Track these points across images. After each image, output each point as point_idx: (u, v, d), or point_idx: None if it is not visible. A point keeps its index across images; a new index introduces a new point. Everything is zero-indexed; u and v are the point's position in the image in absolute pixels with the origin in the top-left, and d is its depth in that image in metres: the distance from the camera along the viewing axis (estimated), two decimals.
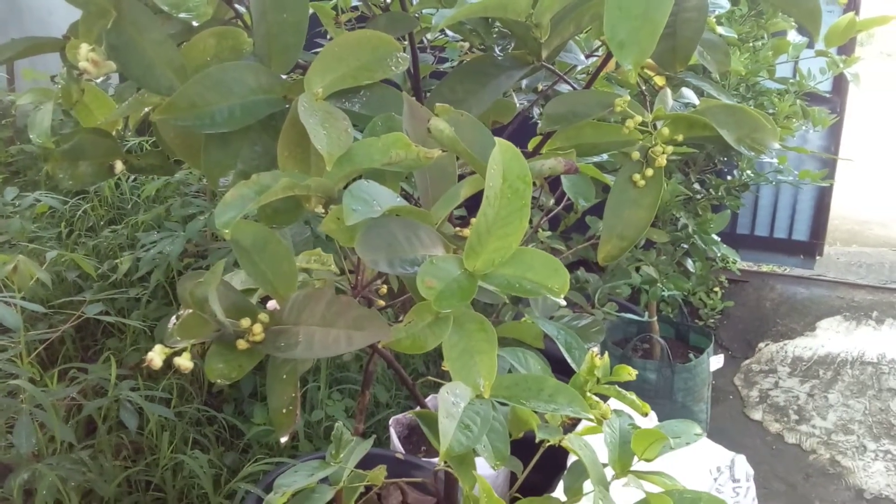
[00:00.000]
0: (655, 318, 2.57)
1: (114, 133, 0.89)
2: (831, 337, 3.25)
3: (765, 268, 3.80)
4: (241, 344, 0.59)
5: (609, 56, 0.91)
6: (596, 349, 1.76)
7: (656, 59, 0.73)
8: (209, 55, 0.79)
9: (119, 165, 0.84)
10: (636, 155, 0.76)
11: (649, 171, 0.75)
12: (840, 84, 3.24)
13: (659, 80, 1.05)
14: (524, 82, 1.00)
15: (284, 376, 0.65)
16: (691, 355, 2.54)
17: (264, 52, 0.74)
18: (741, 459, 2.04)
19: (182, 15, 0.68)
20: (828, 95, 2.85)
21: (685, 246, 2.30)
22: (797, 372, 3.06)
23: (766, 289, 3.61)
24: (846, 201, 4.72)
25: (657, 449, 1.17)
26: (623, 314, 2.59)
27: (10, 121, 3.26)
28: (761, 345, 3.27)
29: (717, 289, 3.50)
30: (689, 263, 2.31)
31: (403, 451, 2.05)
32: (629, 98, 0.75)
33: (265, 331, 0.60)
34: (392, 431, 2.16)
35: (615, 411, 1.23)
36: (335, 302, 0.58)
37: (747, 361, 3.19)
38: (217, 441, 2.36)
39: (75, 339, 2.67)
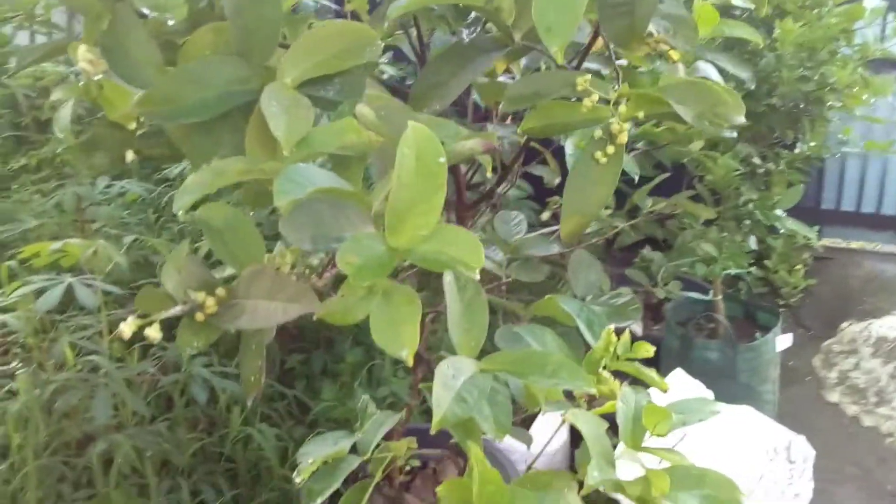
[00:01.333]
0: (720, 297, 2.52)
1: (133, 125, 0.96)
2: None
3: (852, 244, 3.65)
4: (199, 316, 0.65)
5: (595, 35, 0.92)
6: (637, 328, 1.76)
7: (614, 36, 0.74)
8: (208, 49, 0.86)
9: (130, 155, 0.92)
10: (599, 133, 0.77)
11: (610, 149, 0.77)
12: None
13: (673, 55, 1.05)
14: (523, 63, 1.03)
15: (253, 347, 0.71)
16: (758, 335, 2.48)
17: (243, 46, 0.80)
18: (800, 441, 2.00)
19: (162, 15, 0.74)
20: None
21: (748, 222, 2.25)
22: (880, 353, 2.93)
23: (853, 266, 3.47)
24: None
25: (668, 425, 1.17)
26: (687, 293, 2.55)
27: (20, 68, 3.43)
28: (844, 324, 3.14)
29: (799, 266, 3.38)
30: (752, 241, 2.26)
31: None
32: (589, 77, 0.76)
33: (220, 305, 0.65)
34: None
35: (632, 387, 1.23)
36: (276, 278, 0.63)
37: (828, 342, 3.08)
38: (287, 416, 2.47)
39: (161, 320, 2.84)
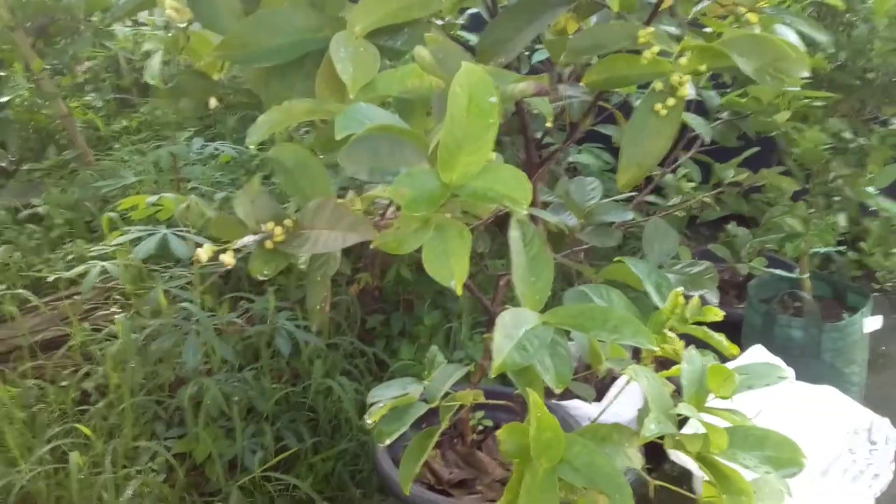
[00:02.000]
0: (807, 275, 2.45)
1: (215, 75, 1.02)
2: None
3: None
4: (268, 244, 0.70)
5: None
6: (712, 297, 1.75)
7: None
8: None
9: (213, 101, 0.98)
10: (659, 85, 0.78)
11: (671, 101, 0.78)
12: None
13: (752, 17, 1.04)
14: (593, 20, 1.03)
15: (318, 278, 0.76)
16: (845, 315, 2.41)
17: None
18: (883, 422, 1.94)
19: None
20: None
21: (838, 199, 2.18)
22: None
23: None
24: None
25: (732, 386, 1.17)
26: (772, 270, 2.49)
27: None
28: None
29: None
30: (841, 219, 2.19)
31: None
32: (651, 30, 0.77)
33: (287, 234, 0.70)
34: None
35: (699, 349, 1.23)
36: (336, 209, 0.67)
37: None
38: (367, 372, 2.55)
39: (246, 275, 2.97)
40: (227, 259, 0.71)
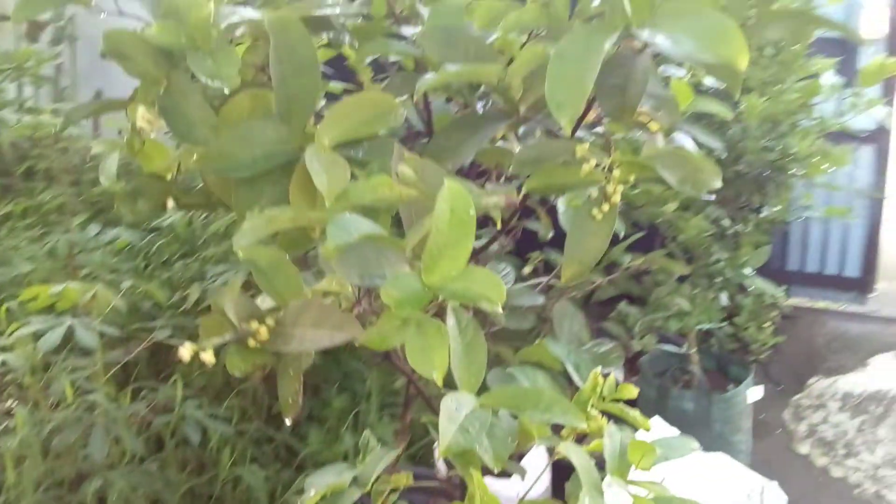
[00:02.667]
0: (695, 350, 2.64)
1: (168, 177, 1.07)
2: (883, 373, 3.24)
3: (817, 304, 3.80)
4: (251, 342, 0.75)
5: (588, 109, 1.04)
6: (618, 374, 1.86)
7: (609, 111, 0.86)
8: (245, 113, 0.97)
9: (170, 203, 1.02)
10: (595, 193, 0.89)
11: (605, 207, 0.88)
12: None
13: (653, 126, 1.18)
14: (521, 129, 1.15)
15: (291, 372, 0.80)
16: (730, 387, 2.60)
17: (285, 110, 0.91)
18: (773, 486, 2.10)
19: (216, 83, 0.86)
20: (864, 135, 2.87)
21: (719, 280, 2.38)
22: (847, 407, 3.06)
23: (819, 325, 3.62)
24: None
25: (652, 459, 1.27)
26: (663, 345, 2.67)
27: (96, 164, 3.57)
28: (812, 380, 3.28)
29: (767, 324, 3.52)
30: (723, 297, 2.39)
31: (447, 471, 2.19)
32: (587, 145, 0.89)
33: (270, 332, 0.75)
34: (437, 452, 2.30)
35: (616, 425, 1.33)
36: (322, 309, 0.73)
37: (797, 396, 3.20)
38: (275, 459, 2.53)
39: (149, 362, 2.90)
40: (208, 358, 0.75)
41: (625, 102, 0.86)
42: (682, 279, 2.46)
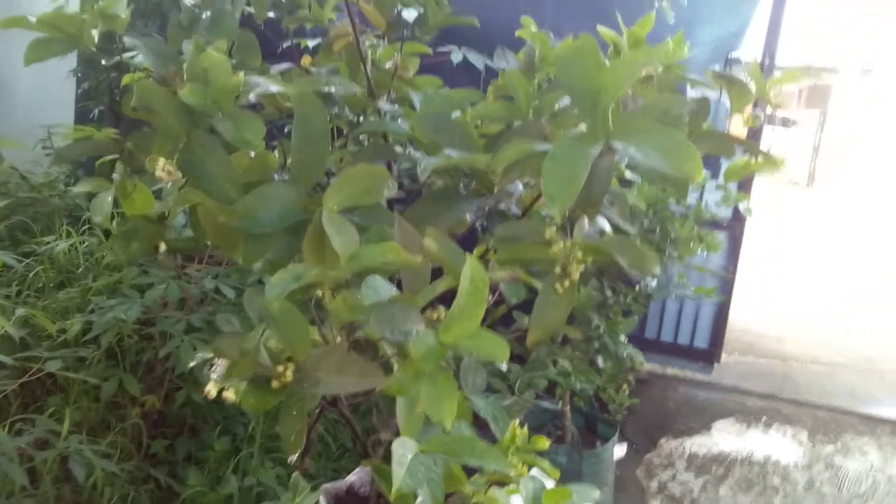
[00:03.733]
0: (568, 408, 2.84)
1: (160, 220, 1.13)
2: (725, 437, 3.59)
3: (669, 370, 4.15)
4: (275, 384, 0.83)
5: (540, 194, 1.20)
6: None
7: (577, 204, 1.02)
8: (244, 168, 1.06)
9: (162, 246, 1.08)
10: (557, 269, 1.04)
11: (566, 283, 1.03)
12: (740, 212, 3.69)
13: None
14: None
15: (294, 413, 0.89)
16: (598, 444, 2.82)
17: (297, 174, 1.01)
18: None
19: (241, 146, 0.95)
20: (724, 223, 3.25)
21: (597, 344, 2.61)
22: (693, 467, 3.36)
23: (670, 389, 3.95)
24: (747, 314, 5.18)
25: None
26: (540, 402, 2.86)
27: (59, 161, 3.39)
28: (663, 440, 3.57)
29: (625, 386, 3.81)
30: (600, 360, 2.61)
31: None
32: (555, 228, 1.04)
33: (294, 374, 0.84)
34: (322, 500, 2.35)
35: (531, 476, 1.47)
36: (346, 356, 0.83)
37: (649, 455, 3.48)
38: (152, 501, 2.49)
39: (18, 395, 2.78)
40: (230, 396, 0.83)
41: (590, 197, 1.02)
42: (564, 341, 2.66)
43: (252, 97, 1.02)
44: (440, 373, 0.82)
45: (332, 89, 1.09)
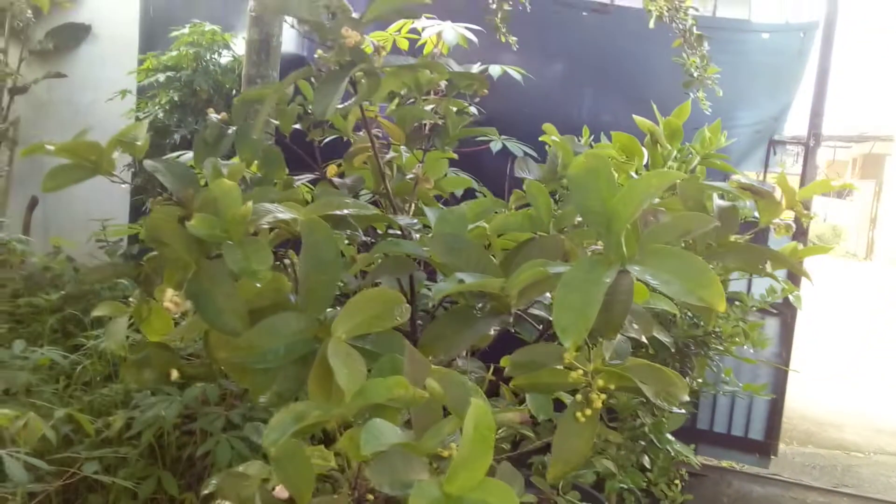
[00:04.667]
0: None
1: (173, 346, 1.12)
2: None
3: (723, 463, 3.98)
4: None
5: None
6: None
7: (596, 329, 0.98)
8: (256, 291, 1.04)
9: (175, 373, 1.07)
10: (579, 398, 0.99)
11: (588, 411, 0.98)
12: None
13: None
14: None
15: None
16: None
17: (305, 301, 0.99)
18: None
19: (248, 277, 0.93)
20: (775, 310, 3.14)
21: (643, 443, 2.50)
22: None
23: (724, 484, 3.77)
24: (805, 402, 4.97)
25: None
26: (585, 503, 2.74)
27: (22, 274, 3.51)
28: None
29: (677, 481, 3.65)
30: (646, 460, 2.50)
31: None
32: (575, 353, 0.99)
33: None
34: None
35: None
36: None
37: None
38: None
39: (60, 492, 2.78)
40: None
41: (610, 319, 0.97)
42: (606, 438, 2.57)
43: (265, 224, 1.01)
44: None
45: (346, 211, 1.08)
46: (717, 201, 1.20)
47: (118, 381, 3.08)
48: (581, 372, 0.99)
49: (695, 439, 3.83)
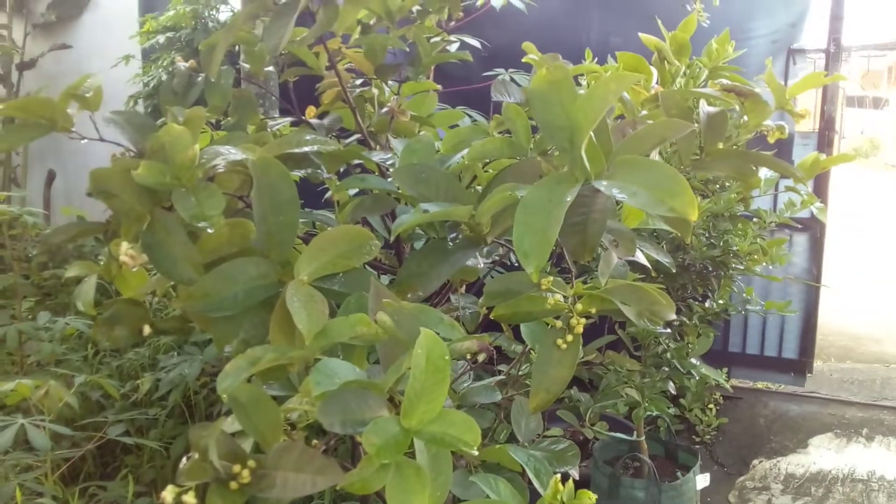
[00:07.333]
0: (643, 438, 2.69)
1: (145, 302, 1.09)
2: (823, 454, 3.34)
3: (758, 384, 3.92)
4: (233, 485, 0.77)
5: None
6: (575, 473, 1.91)
7: (571, 249, 0.93)
8: (224, 241, 1.01)
9: (147, 329, 1.04)
10: (559, 323, 0.95)
11: (569, 337, 0.94)
12: None
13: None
14: (485, 249, 1.21)
15: None
16: (679, 473, 2.66)
17: (265, 245, 0.95)
18: None
19: (200, 224, 0.89)
20: (799, 227, 3.03)
21: (666, 369, 2.46)
22: (790, 489, 3.14)
23: (760, 405, 3.72)
24: (842, 317, 4.87)
25: None
26: (613, 434, 2.72)
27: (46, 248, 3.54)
28: (755, 462, 3.35)
29: (711, 405, 3.62)
30: (671, 386, 2.46)
31: None
32: (552, 279, 0.95)
33: (252, 474, 0.78)
34: None
35: None
36: (304, 452, 0.76)
37: (742, 478, 3.27)
38: None
39: (96, 455, 2.83)
40: (190, 501, 0.77)
41: (585, 240, 0.92)
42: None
43: (219, 167, 0.97)
44: (407, 463, 0.74)
45: (306, 149, 1.03)
46: (704, 108, 1.13)
47: (144, 346, 3.12)
48: (560, 297, 0.95)
49: (727, 362, 3.78)
